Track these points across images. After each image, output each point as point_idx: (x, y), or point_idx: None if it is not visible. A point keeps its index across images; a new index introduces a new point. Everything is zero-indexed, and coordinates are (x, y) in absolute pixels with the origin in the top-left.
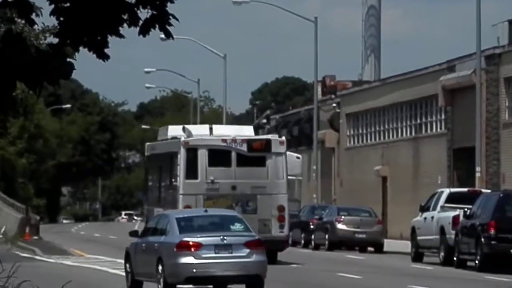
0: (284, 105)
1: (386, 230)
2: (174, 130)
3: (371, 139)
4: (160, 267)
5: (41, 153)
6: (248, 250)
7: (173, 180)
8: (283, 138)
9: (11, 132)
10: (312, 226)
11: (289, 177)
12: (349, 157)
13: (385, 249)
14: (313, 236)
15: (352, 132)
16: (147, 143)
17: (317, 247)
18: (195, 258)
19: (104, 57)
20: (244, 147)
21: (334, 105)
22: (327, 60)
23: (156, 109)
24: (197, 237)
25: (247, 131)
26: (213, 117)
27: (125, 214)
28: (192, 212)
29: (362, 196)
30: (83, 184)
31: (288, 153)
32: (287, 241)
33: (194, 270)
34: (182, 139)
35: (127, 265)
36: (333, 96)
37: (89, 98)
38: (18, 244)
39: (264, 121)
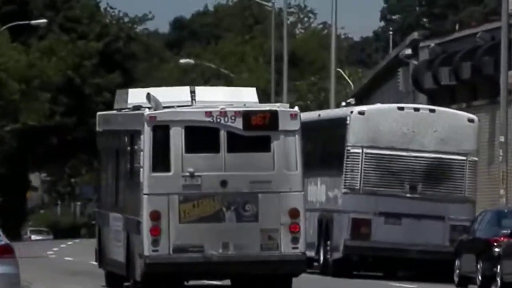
0: (446, 21)
1: None
2: (137, 96)
3: None
4: None
5: None
6: None
7: (134, 173)
8: (297, 109)
9: None
10: (497, 249)
11: (458, 157)
12: None
13: None
14: (499, 268)
15: None
16: (99, 113)
17: None
18: None
19: None
20: (239, 123)
21: None
22: None
23: (205, 30)
24: None
25: (247, 96)
26: (313, 43)
27: None
28: None
29: None
30: (70, 168)
31: (451, 112)
32: (304, 261)
33: None
34: (147, 111)
35: None
36: None
37: (83, 7)
38: None
39: (408, 51)
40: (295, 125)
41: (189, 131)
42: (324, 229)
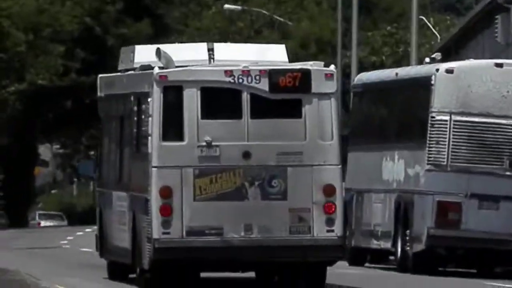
0: None
1: None
2: (145, 54)
3: None
4: None
5: None
6: None
7: (141, 143)
8: (333, 67)
9: None
10: None
11: None
12: None
13: None
14: None
15: None
16: (100, 75)
17: None
18: None
19: None
20: (265, 84)
21: None
22: None
23: None
24: None
25: (276, 54)
26: None
27: None
28: None
29: None
30: (88, 138)
31: None
32: (342, 246)
33: None
34: (156, 70)
35: None
36: None
37: None
38: None
39: None
40: (331, 87)
41: (206, 93)
42: (403, 214)
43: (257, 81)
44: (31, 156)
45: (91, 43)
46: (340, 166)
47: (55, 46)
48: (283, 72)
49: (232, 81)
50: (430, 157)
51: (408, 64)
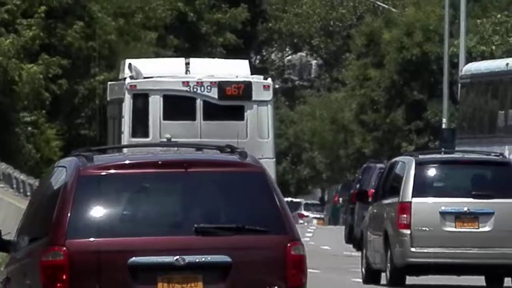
0: None
1: None
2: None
3: None
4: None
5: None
6: None
7: (120, 138)
8: (269, 80)
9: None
10: None
11: None
12: None
13: None
14: None
15: None
16: (109, 82)
17: None
18: None
19: None
20: (214, 93)
21: None
22: None
23: None
24: None
25: (239, 67)
26: None
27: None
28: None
29: None
30: None
31: None
32: None
33: None
34: (128, 80)
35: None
36: None
37: None
38: None
39: None
40: (268, 96)
41: (167, 100)
42: None
43: (209, 90)
44: None
45: (184, 29)
46: (274, 160)
47: (147, 33)
48: (229, 83)
49: (189, 90)
50: None
51: None
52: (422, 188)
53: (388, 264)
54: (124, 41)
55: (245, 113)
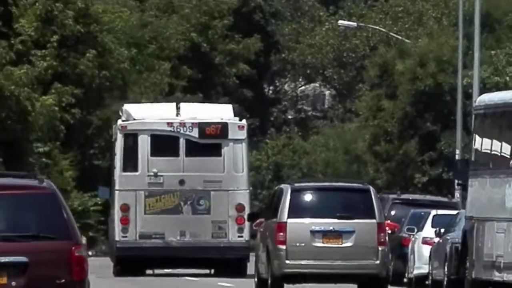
0: None
1: None
2: (131, 109)
3: None
4: None
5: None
6: None
7: (114, 172)
8: (244, 121)
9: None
10: None
11: None
12: None
13: None
14: None
15: None
16: (114, 125)
17: None
18: None
19: None
20: (195, 133)
21: None
22: None
23: None
24: None
25: (223, 111)
26: None
27: None
28: None
29: None
30: None
31: None
32: (248, 247)
33: None
34: (119, 122)
35: None
36: None
37: None
38: None
39: None
40: (243, 135)
41: (154, 138)
42: None
43: (190, 130)
44: None
45: (198, 59)
46: (248, 191)
47: (160, 63)
48: (209, 124)
49: (173, 130)
50: None
51: None
52: (296, 210)
53: (269, 274)
54: (137, 71)
55: (222, 150)
